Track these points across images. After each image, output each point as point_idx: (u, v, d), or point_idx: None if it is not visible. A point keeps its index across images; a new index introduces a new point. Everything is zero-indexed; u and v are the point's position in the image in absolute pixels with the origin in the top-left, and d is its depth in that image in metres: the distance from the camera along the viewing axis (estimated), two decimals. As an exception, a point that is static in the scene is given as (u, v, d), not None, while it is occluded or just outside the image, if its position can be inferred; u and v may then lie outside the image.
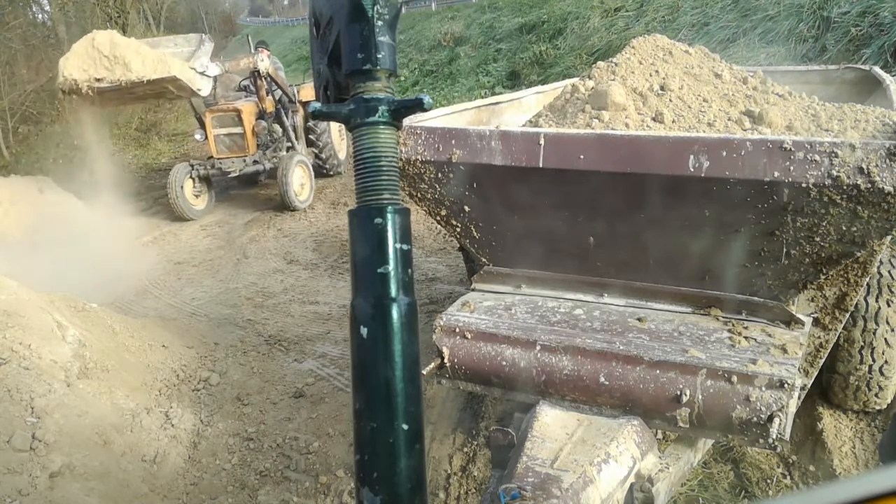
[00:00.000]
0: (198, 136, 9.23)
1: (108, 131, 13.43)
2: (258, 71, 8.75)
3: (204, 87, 7.95)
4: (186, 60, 7.78)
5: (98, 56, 7.37)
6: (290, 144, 9.38)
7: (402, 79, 15.16)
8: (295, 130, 9.54)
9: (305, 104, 9.82)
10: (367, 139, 1.07)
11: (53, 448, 3.16)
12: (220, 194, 9.87)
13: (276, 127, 9.26)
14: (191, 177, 8.86)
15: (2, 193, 8.29)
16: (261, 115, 9.10)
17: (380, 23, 1.06)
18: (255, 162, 8.99)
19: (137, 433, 3.61)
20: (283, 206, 8.84)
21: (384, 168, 1.06)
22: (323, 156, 9.92)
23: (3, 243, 7.03)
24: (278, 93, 9.39)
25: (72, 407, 3.43)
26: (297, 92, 9.68)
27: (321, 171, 9.97)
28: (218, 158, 8.97)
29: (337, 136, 10.44)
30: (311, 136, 9.84)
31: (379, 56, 1.06)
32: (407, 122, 2.45)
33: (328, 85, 1.19)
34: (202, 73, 7.86)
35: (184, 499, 3.35)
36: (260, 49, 9.01)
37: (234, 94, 9.84)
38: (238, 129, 8.91)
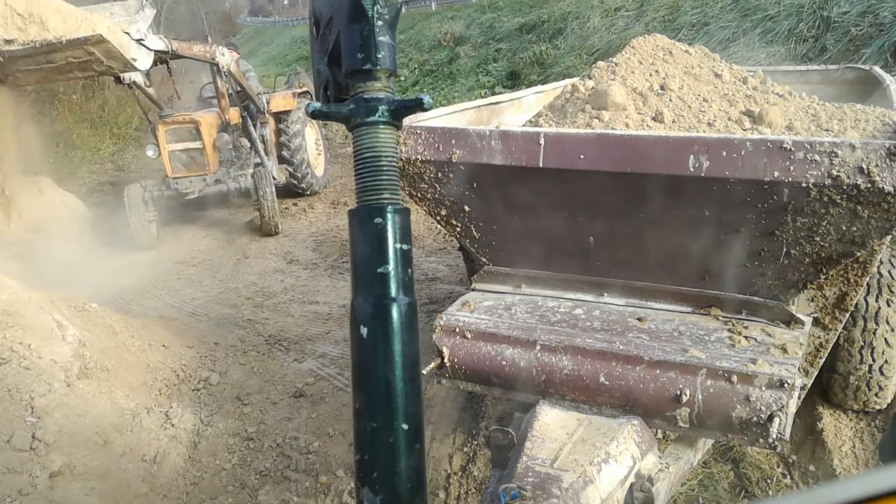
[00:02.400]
0: (150, 153, 8.00)
1: (107, 132, 13.44)
2: (217, 66, 7.56)
3: (141, 59, 6.45)
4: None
5: (10, 14, 5.95)
6: (258, 160, 8.25)
7: (402, 79, 15.15)
8: (265, 144, 8.50)
9: (278, 115, 8.78)
10: (367, 139, 1.07)
11: (53, 448, 3.16)
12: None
13: (244, 141, 8.21)
14: (143, 200, 7.66)
15: (2, 193, 8.28)
16: (224, 127, 8.02)
17: (380, 22, 1.06)
18: (218, 181, 7.92)
19: (137, 433, 3.61)
20: (263, 230, 7.83)
21: (384, 168, 1.06)
22: (298, 173, 8.85)
23: (3, 243, 7.02)
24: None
25: (72, 407, 3.43)
26: (268, 102, 8.61)
27: (296, 189, 8.98)
28: (174, 178, 7.80)
29: (313, 152, 9.43)
30: (284, 152, 8.82)
31: (379, 56, 1.06)
32: (407, 121, 2.45)
33: (328, 85, 1.19)
34: (139, 42, 6.40)
35: (184, 498, 3.35)
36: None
37: (196, 105, 8.82)
38: (196, 144, 7.79)
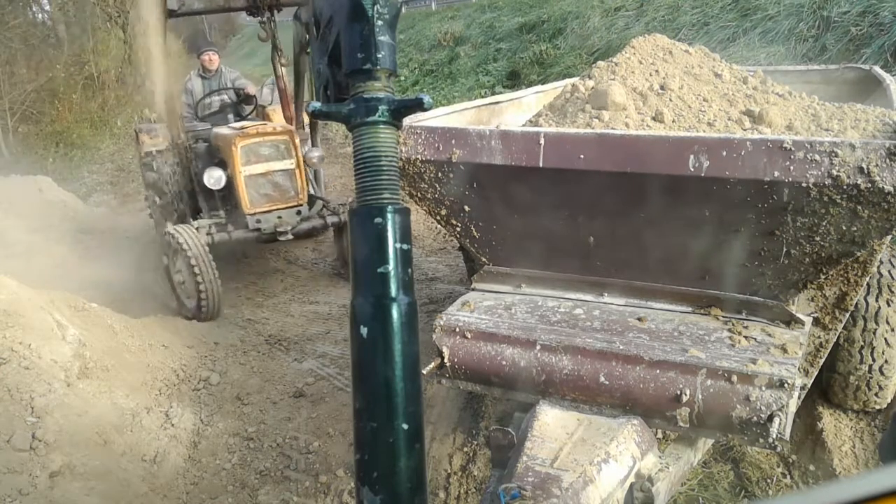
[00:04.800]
0: (211, 182, 5.56)
1: (107, 132, 13.45)
2: (278, 45, 6.06)
3: None
4: None
5: None
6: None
7: (402, 78, 15.14)
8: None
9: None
10: (367, 139, 1.07)
11: (53, 448, 3.16)
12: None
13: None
14: (204, 250, 5.18)
15: (2, 193, 8.29)
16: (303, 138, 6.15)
17: (380, 22, 1.06)
18: (306, 217, 5.71)
19: (137, 433, 3.61)
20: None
21: (384, 168, 1.06)
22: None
23: (3, 243, 7.02)
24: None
25: (72, 406, 3.43)
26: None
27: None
28: (254, 214, 5.52)
29: None
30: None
31: (379, 56, 1.06)
32: (407, 121, 2.45)
33: (328, 84, 1.20)
34: None
35: (184, 498, 3.35)
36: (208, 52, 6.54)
37: (218, 101, 6.60)
38: (286, 164, 5.60)
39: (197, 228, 5.40)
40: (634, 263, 2.52)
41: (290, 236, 5.57)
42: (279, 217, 5.58)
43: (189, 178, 5.96)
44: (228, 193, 5.75)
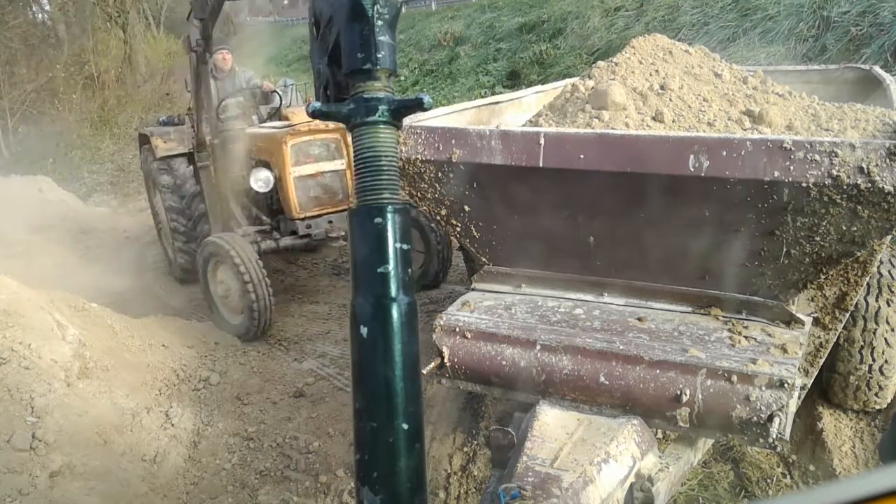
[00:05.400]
0: (259, 185, 5.16)
1: (107, 132, 13.45)
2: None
3: None
4: None
5: None
6: None
7: (402, 78, 15.14)
8: None
9: None
10: (367, 139, 1.07)
11: (53, 447, 3.16)
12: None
13: None
14: (256, 260, 4.74)
15: (2, 193, 8.30)
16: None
17: (380, 22, 1.06)
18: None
19: (137, 433, 3.61)
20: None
21: (384, 167, 1.07)
22: None
23: (3, 243, 7.02)
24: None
25: (72, 406, 3.43)
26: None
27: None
28: (303, 218, 5.18)
29: None
30: None
31: (379, 55, 1.06)
32: (407, 121, 2.45)
33: (328, 84, 1.20)
34: None
35: (184, 498, 3.35)
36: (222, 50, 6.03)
37: (234, 104, 5.83)
38: (336, 164, 5.31)
39: (242, 235, 4.99)
40: (634, 263, 2.51)
41: (343, 242, 5.19)
42: (330, 222, 5.21)
43: (215, 182, 5.42)
44: (267, 197, 5.39)
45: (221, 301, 5.01)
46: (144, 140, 6.29)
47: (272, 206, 5.45)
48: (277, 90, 6.31)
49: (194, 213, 5.80)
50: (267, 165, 5.22)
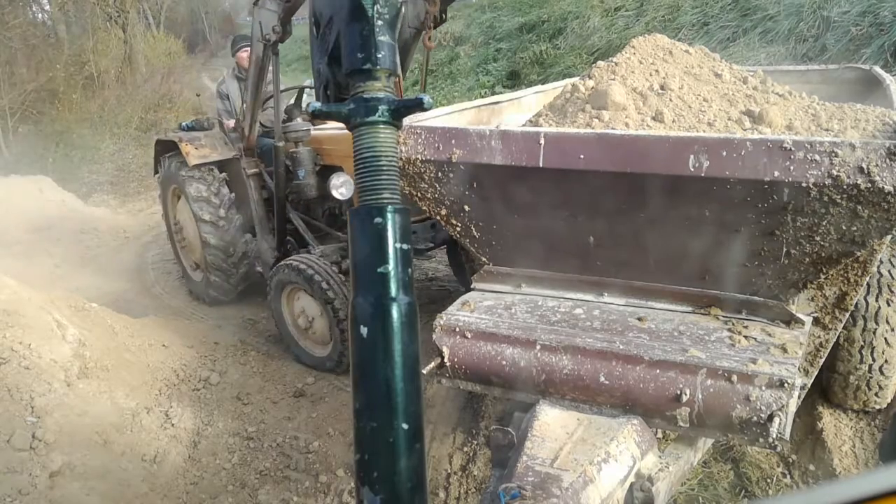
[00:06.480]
0: (339, 192, 4.47)
1: (107, 132, 13.44)
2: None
3: None
4: None
5: None
6: None
7: (402, 79, 15.12)
8: None
9: None
10: (367, 139, 1.07)
11: (53, 447, 3.16)
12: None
13: None
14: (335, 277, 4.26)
15: (2, 193, 8.30)
16: None
17: (380, 22, 1.06)
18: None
19: (137, 433, 3.61)
20: None
21: (384, 167, 1.06)
22: None
23: (2, 243, 7.02)
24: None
25: (72, 406, 3.44)
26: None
27: None
28: None
29: None
30: None
31: (379, 56, 1.06)
32: (407, 121, 2.45)
33: (328, 84, 1.20)
34: None
35: (184, 498, 3.35)
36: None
37: (222, 105, 5.70)
38: None
39: (319, 256, 4.40)
40: (634, 263, 2.51)
41: (430, 253, 4.85)
42: (414, 232, 4.52)
43: (276, 191, 4.82)
44: (331, 208, 4.90)
45: (303, 333, 4.55)
46: (167, 147, 5.68)
47: (342, 217, 4.93)
48: (309, 85, 5.58)
49: (231, 225, 5.30)
50: (341, 171, 4.60)
